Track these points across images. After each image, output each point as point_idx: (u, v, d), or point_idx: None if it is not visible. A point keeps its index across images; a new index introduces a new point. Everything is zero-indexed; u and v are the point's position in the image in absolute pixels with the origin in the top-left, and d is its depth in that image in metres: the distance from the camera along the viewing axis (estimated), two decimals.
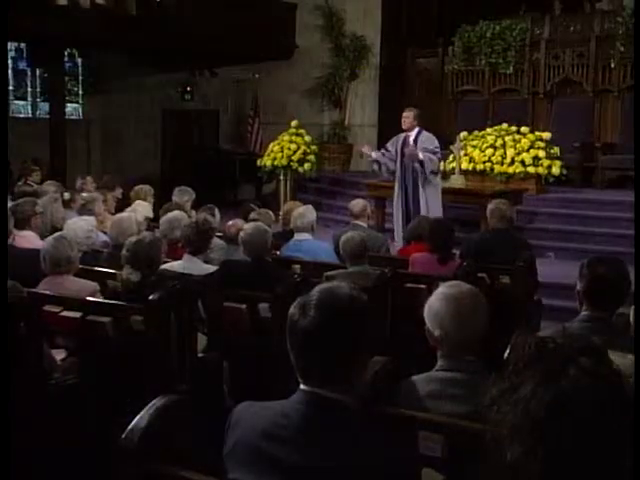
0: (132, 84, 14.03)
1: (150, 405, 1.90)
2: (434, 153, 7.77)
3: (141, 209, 6.78)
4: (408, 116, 7.92)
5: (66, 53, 13.62)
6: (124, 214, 5.77)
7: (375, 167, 8.28)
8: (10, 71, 14.20)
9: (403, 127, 7.93)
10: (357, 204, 6.61)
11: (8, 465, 2.62)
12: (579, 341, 1.22)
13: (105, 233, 5.63)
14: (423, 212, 7.71)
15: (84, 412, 3.50)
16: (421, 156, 7.76)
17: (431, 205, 7.82)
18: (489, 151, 9.78)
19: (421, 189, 7.87)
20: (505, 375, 1.21)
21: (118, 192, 7.72)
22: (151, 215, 7.00)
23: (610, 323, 2.80)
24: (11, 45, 13.93)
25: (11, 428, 2.80)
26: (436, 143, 7.88)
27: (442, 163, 9.95)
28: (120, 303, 3.78)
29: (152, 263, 4.07)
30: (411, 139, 7.87)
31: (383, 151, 8.11)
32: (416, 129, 7.91)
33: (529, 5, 12.26)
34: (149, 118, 14.57)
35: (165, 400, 1.93)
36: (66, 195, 7.06)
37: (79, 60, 14.99)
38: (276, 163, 11.36)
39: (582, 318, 2.83)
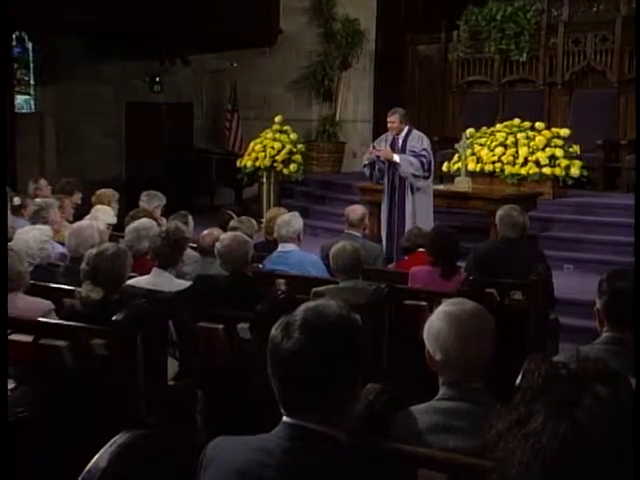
0: (92, 73, 14.00)
1: (112, 442, 1.90)
2: (418, 156, 7.80)
3: (102, 215, 6.78)
4: (394, 120, 8.02)
5: (14, 37, 13.58)
6: (84, 222, 5.76)
7: (366, 172, 8.33)
8: None
9: (391, 133, 8.04)
10: (355, 211, 6.65)
11: None
12: (595, 366, 1.23)
13: (62, 244, 5.62)
14: (408, 222, 7.77)
15: (36, 450, 3.48)
16: (396, 158, 7.82)
17: (419, 215, 7.85)
18: (499, 150, 9.83)
19: (408, 196, 7.92)
20: (512, 406, 1.22)
21: (77, 197, 7.72)
22: (114, 221, 7.00)
23: (633, 345, 2.82)
24: None
25: None
26: (425, 144, 7.94)
27: (446, 164, 10.06)
28: (79, 324, 3.77)
29: (116, 278, 4.07)
30: (400, 140, 7.95)
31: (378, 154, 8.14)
32: (405, 129, 8.01)
33: None
34: (112, 112, 14.55)
35: (129, 436, 1.92)
36: (16, 200, 7.04)
37: (30, 45, 14.94)
38: (258, 164, 11.38)
39: (602, 340, 2.84)
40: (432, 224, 7.70)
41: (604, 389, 1.17)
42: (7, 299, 3.50)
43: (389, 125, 8.06)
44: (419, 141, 7.96)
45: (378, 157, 8.07)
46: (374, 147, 8.25)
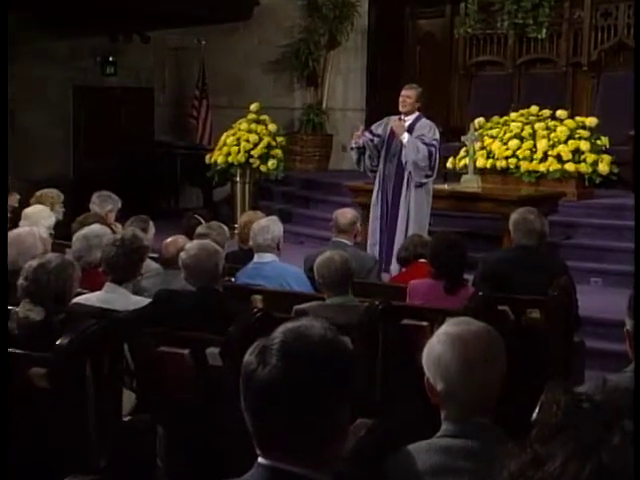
0: (34, 52, 13.99)
1: None
2: (429, 145, 7.81)
3: (43, 220, 6.75)
4: (409, 95, 8.01)
5: None
6: (23, 229, 5.74)
7: (353, 156, 8.31)
8: None
9: (401, 109, 8.03)
10: (345, 215, 6.66)
11: None
12: (624, 398, 1.23)
13: None
14: (401, 225, 7.77)
15: None
16: (405, 137, 7.82)
17: (412, 217, 7.84)
18: (513, 143, 9.87)
19: (403, 191, 7.90)
20: (527, 444, 1.22)
21: (13, 199, 7.68)
22: (52, 223, 6.95)
23: None
24: None
25: None
26: (436, 135, 7.97)
27: (452, 160, 10.09)
28: (15, 351, 3.75)
29: (60, 295, 4.05)
30: (406, 124, 7.94)
31: (371, 137, 8.12)
32: (415, 114, 8.01)
33: None
34: (57, 98, 14.53)
35: None
36: None
37: None
38: (231, 160, 11.37)
39: (634, 367, 2.85)
40: (427, 228, 7.71)
41: (633, 425, 1.17)
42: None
43: (402, 100, 8.03)
44: (430, 131, 7.95)
45: (371, 140, 8.05)
46: (370, 131, 8.22)
